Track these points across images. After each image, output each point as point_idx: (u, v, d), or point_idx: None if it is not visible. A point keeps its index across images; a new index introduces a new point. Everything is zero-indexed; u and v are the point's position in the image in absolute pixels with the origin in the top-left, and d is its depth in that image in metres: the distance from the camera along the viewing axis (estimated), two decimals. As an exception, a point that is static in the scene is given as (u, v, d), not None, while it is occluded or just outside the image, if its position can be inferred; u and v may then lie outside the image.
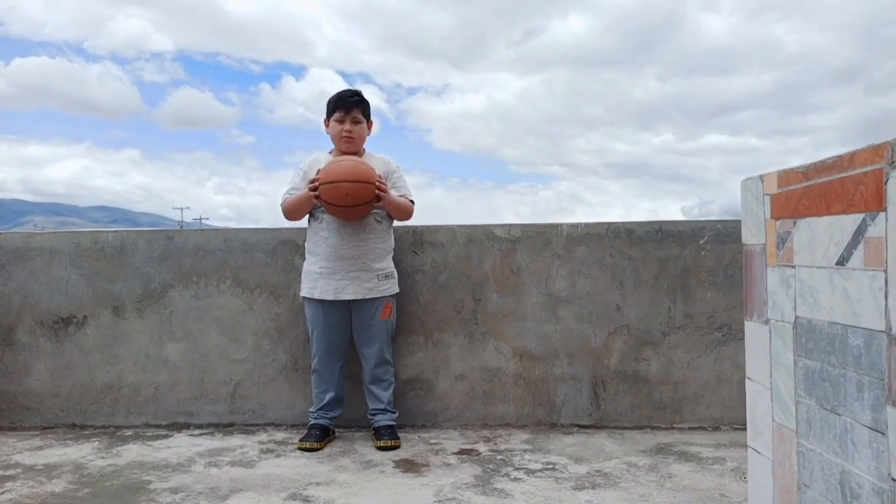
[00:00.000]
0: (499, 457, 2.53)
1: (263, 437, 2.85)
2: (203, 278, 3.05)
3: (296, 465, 2.45)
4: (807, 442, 1.38)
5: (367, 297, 2.71)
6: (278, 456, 2.58)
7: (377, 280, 2.73)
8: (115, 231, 3.13)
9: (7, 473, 2.39)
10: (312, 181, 2.62)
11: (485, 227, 3.02)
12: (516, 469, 2.38)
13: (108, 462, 2.51)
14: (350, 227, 2.68)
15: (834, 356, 1.27)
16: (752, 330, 1.61)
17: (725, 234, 2.93)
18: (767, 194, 1.53)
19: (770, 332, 1.52)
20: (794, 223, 1.40)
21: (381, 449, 2.63)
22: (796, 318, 1.40)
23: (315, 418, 2.77)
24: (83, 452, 2.65)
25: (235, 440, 2.80)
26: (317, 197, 2.59)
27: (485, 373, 2.98)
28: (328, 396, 2.78)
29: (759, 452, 1.60)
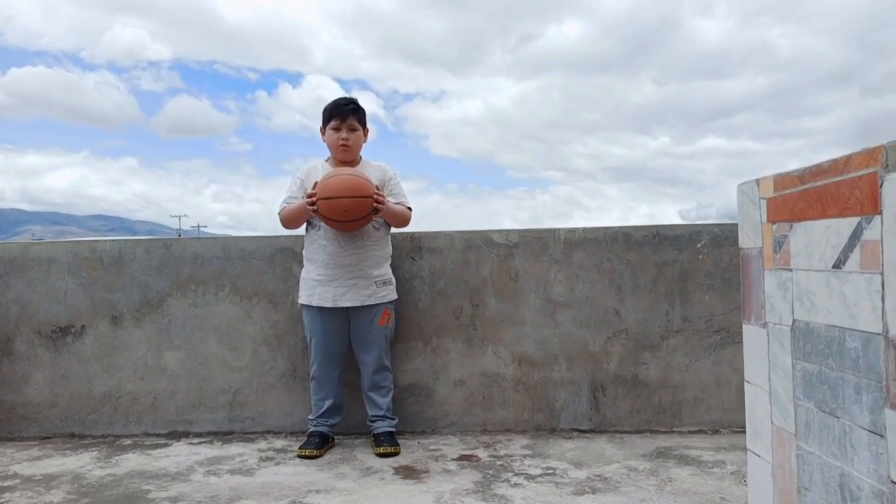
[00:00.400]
0: (499, 462, 2.52)
1: (263, 444, 2.85)
2: (201, 286, 3.05)
3: (295, 473, 2.44)
4: (806, 445, 1.38)
5: (366, 303, 2.71)
6: (278, 464, 2.57)
7: (375, 287, 2.73)
8: (113, 240, 3.13)
9: (5, 484, 2.38)
10: (310, 195, 2.61)
11: (482, 232, 3.03)
12: (516, 474, 2.37)
13: (107, 472, 2.51)
14: (348, 235, 2.69)
15: (832, 359, 1.27)
16: (751, 333, 1.62)
17: (723, 237, 2.93)
18: (764, 198, 1.53)
19: (768, 335, 1.53)
20: (791, 227, 1.41)
21: (380, 456, 2.63)
22: (794, 321, 1.41)
23: (314, 425, 2.77)
24: (82, 462, 2.64)
25: (235, 448, 2.80)
26: (315, 211, 2.59)
27: (484, 378, 2.98)
28: (327, 403, 2.77)
29: (759, 455, 1.60)
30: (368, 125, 2.88)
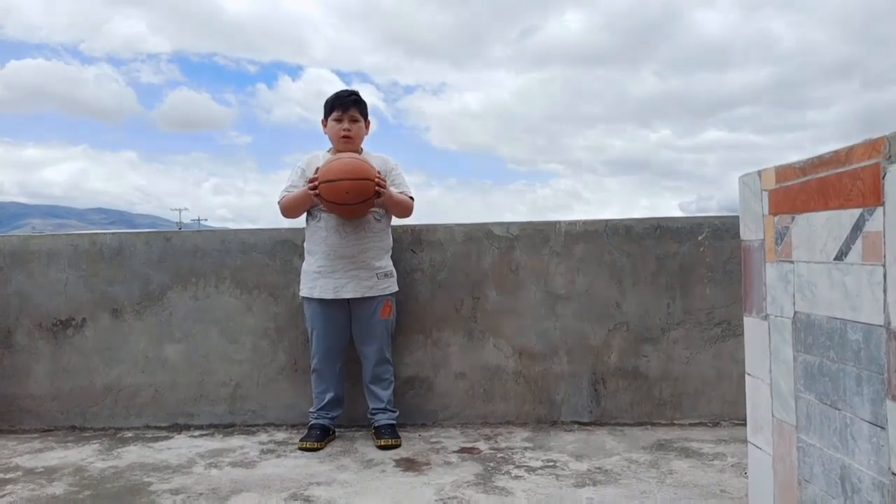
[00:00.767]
0: (499, 455, 2.53)
1: (264, 437, 2.85)
2: (202, 279, 3.05)
3: (296, 465, 2.45)
4: (807, 437, 1.38)
5: (367, 295, 2.71)
6: (279, 456, 2.58)
7: (376, 278, 2.73)
8: (113, 233, 3.13)
9: (7, 476, 2.39)
10: (312, 180, 2.62)
11: (483, 225, 3.02)
12: (517, 467, 2.38)
13: (109, 464, 2.51)
14: (348, 226, 2.68)
15: (833, 351, 1.27)
16: (752, 325, 1.61)
17: (724, 229, 2.93)
18: (765, 190, 1.53)
19: (769, 327, 1.52)
20: (793, 218, 1.40)
21: (381, 448, 2.63)
22: (795, 313, 1.41)
23: (315, 418, 2.77)
24: (83, 455, 2.65)
25: (236, 441, 2.80)
26: (317, 195, 2.59)
27: (484, 371, 2.98)
28: (328, 396, 2.78)
29: (760, 448, 1.60)
30: (370, 118, 2.89)
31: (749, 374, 1.65)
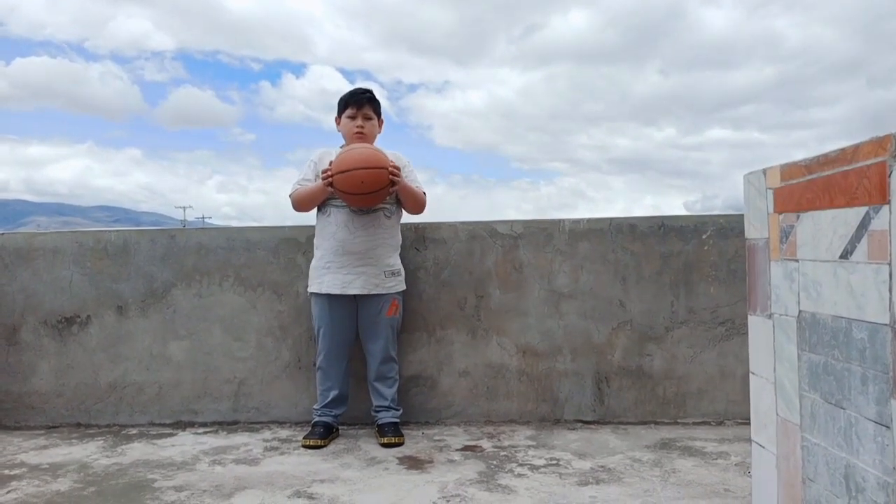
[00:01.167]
0: (503, 453, 2.53)
1: (267, 434, 2.86)
2: (206, 277, 3.05)
3: (300, 463, 2.45)
4: (811, 436, 1.38)
5: (374, 292, 2.71)
6: (282, 453, 2.58)
7: (384, 276, 2.73)
8: (118, 230, 3.14)
9: (12, 473, 2.40)
10: (326, 171, 2.62)
11: (487, 223, 3.02)
12: (520, 465, 2.38)
13: (113, 461, 2.52)
14: (358, 222, 2.69)
15: (838, 350, 1.27)
16: (756, 324, 1.61)
17: (728, 228, 2.92)
18: (770, 188, 1.52)
19: (774, 326, 1.52)
20: (798, 217, 1.40)
21: (384, 446, 2.63)
22: (800, 311, 1.40)
23: (319, 416, 2.78)
24: (88, 451, 2.66)
25: (239, 438, 2.81)
26: (330, 185, 2.59)
27: (488, 369, 2.98)
28: (332, 394, 2.78)
29: (764, 447, 1.60)
30: (383, 117, 2.91)
31: (753, 373, 1.64)
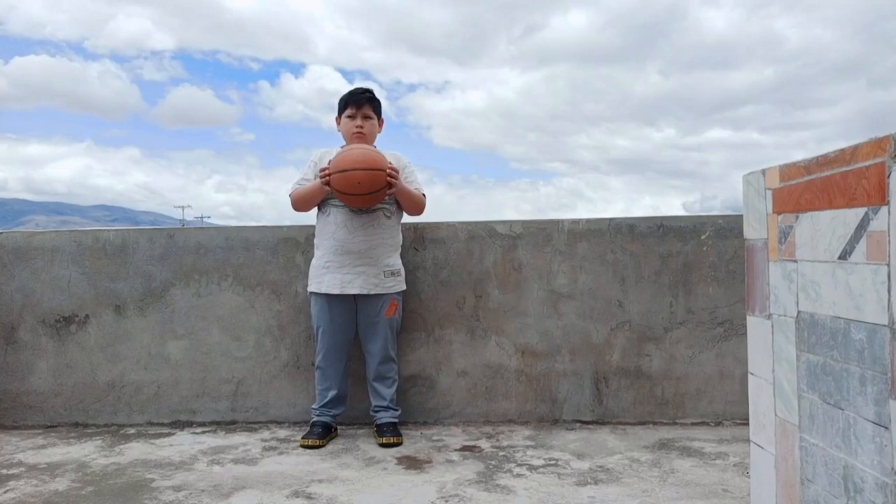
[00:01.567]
0: (501, 453, 2.53)
1: (266, 434, 2.86)
2: (204, 276, 3.05)
3: (298, 463, 2.45)
4: (809, 437, 1.38)
5: (373, 292, 2.71)
6: (281, 453, 2.58)
7: (384, 276, 2.73)
8: (117, 230, 3.13)
9: (10, 472, 2.40)
10: (324, 170, 2.62)
11: (486, 223, 3.02)
12: (519, 465, 2.38)
13: (111, 460, 2.52)
14: (358, 222, 2.69)
15: (836, 350, 1.27)
16: (755, 325, 1.61)
17: (727, 229, 2.92)
18: (769, 189, 1.52)
19: (772, 326, 1.52)
20: (797, 217, 1.40)
21: (383, 446, 2.63)
22: (799, 312, 1.40)
23: (317, 415, 2.77)
24: (86, 451, 2.65)
25: (238, 438, 2.81)
26: (327, 184, 2.59)
27: (487, 369, 2.98)
28: (331, 394, 2.78)
29: (762, 447, 1.60)
30: (383, 117, 2.91)
31: (752, 374, 1.64)
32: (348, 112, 2.82)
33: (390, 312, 2.77)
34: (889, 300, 1.10)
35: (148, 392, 3.05)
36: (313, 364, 2.87)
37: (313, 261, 2.80)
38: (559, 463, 2.40)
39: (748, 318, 1.65)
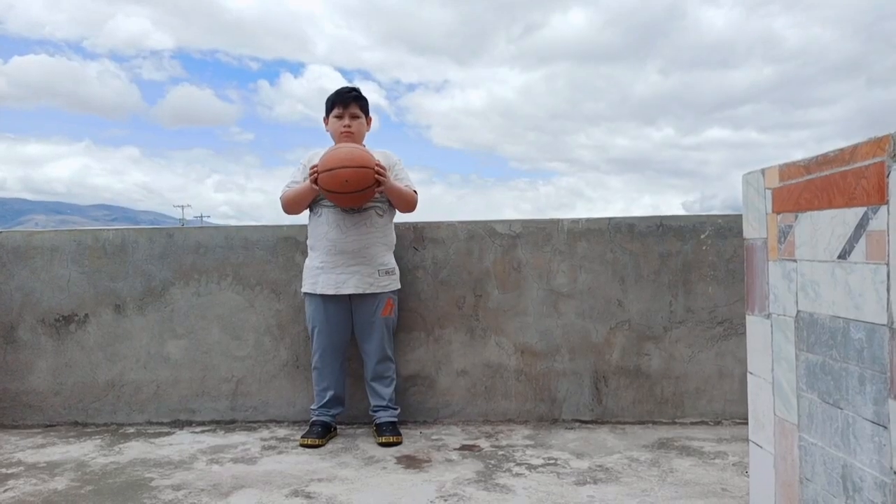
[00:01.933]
0: (500, 452, 2.53)
1: (265, 433, 2.86)
2: (204, 275, 3.05)
3: (297, 462, 2.45)
4: (808, 436, 1.38)
5: (368, 291, 2.71)
6: (280, 452, 2.58)
7: (378, 275, 2.73)
8: (116, 229, 3.13)
9: (10, 471, 2.40)
10: (312, 169, 2.62)
11: (485, 222, 3.02)
12: (518, 464, 2.38)
13: (111, 459, 2.52)
14: (350, 221, 2.68)
15: (836, 350, 1.27)
16: (754, 324, 1.61)
17: (727, 228, 2.92)
18: (769, 188, 1.52)
19: (772, 326, 1.52)
20: (796, 217, 1.40)
21: (382, 445, 2.63)
22: (798, 311, 1.40)
23: (317, 415, 2.77)
24: (85, 450, 2.65)
25: (237, 437, 2.81)
26: (315, 181, 2.59)
27: (486, 369, 2.98)
28: (329, 394, 2.78)
29: (761, 447, 1.60)
30: (372, 115, 2.89)
31: (751, 373, 1.64)
32: (335, 112, 2.81)
33: (386, 312, 2.77)
34: (888, 300, 1.10)
35: (147, 391, 3.05)
36: (311, 364, 2.87)
37: (307, 261, 2.80)
38: (558, 462, 2.40)
39: (747, 317, 1.65)
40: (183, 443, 2.73)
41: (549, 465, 2.37)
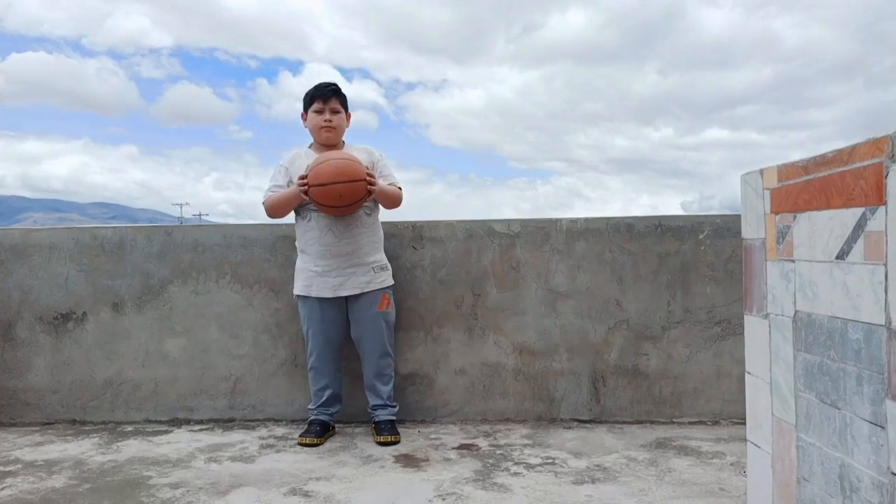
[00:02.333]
0: (498, 451, 2.53)
1: (263, 432, 2.86)
2: (202, 274, 3.05)
3: (296, 461, 2.45)
4: (806, 436, 1.38)
5: (364, 290, 2.71)
6: (278, 451, 2.58)
7: (373, 273, 2.73)
8: (115, 227, 3.13)
9: (7, 469, 2.39)
10: (302, 179, 2.59)
11: (484, 222, 3.02)
12: (516, 464, 2.38)
13: (109, 458, 2.52)
14: (341, 224, 2.67)
15: (834, 350, 1.27)
16: (752, 324, 1.61)
17: (725, 228, 2.92)
18: (767, 189, 1.52)
19: (770, 326, 1.52)
20: (794, 217, 1.40)
21: (381, 444, 2.63)
22: (796, 312, 1.40)
23: (315, 414, 2.77)
24: (83, 448, 2.65)
25: (235, 435, 2.81)
26: (305, 192, 2.57)
27: (484, 368, 2.98)
28: (327, 393, 2.78)
29: (759, 446, 1.60)
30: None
31: (749, 373, 1.65)
32: (315, 107, 2.77)
33: (382, 306, 2.76)
34: (886, 300, 1.10)
35: (145, 389, 3.05)
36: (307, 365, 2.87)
37: (299, 263, 2.78)
38: (556, 462, 2.40)
39: (745, 317, 1.65)
40: (181, 441, 2.73)
41: (547, 464, 2.37)
